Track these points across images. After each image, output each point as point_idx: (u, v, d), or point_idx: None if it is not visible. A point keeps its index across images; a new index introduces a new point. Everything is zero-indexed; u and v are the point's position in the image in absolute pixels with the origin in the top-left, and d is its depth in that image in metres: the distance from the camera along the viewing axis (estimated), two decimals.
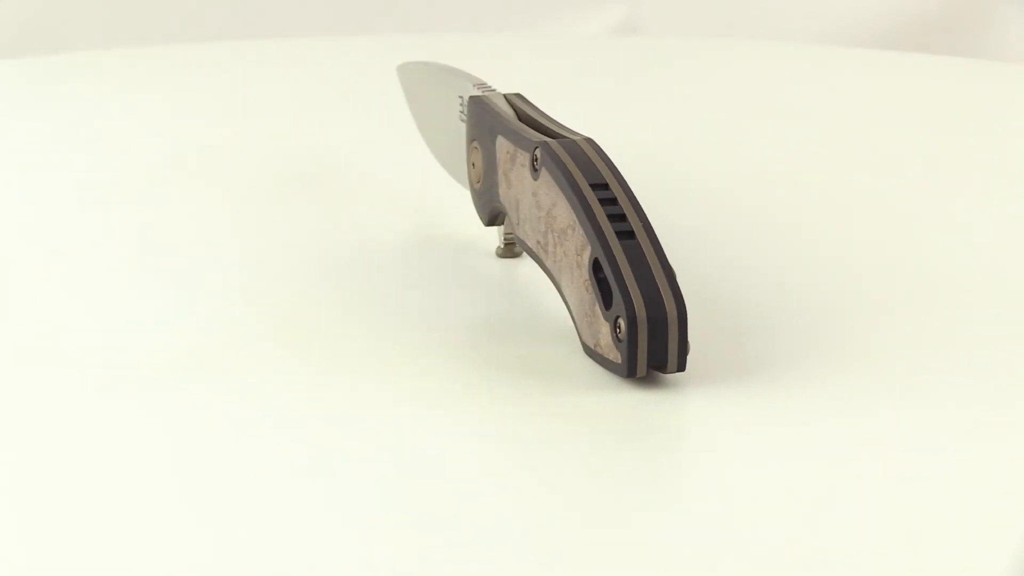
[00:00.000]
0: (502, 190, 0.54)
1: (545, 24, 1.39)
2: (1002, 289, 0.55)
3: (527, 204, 0.52)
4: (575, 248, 0.49)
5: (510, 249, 0.57)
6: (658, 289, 0.46)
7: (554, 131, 0.53)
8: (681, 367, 0.47)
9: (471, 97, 0.56)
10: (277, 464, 0.43)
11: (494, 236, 0.58)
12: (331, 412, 0.46)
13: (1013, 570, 0.38)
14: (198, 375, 0.48)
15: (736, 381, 0.47)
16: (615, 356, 0.47)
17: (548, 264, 0.51)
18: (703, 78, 0.90)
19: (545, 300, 0.54)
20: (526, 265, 0.57)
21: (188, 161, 0.72)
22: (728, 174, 0.69)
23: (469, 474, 0.43)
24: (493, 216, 0.56)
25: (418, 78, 0.64)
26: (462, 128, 0.58)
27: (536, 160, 0.51)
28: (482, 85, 0.58)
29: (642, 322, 0.46)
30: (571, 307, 0.49)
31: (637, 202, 0.48)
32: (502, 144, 0.53)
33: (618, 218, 0.48)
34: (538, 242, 0.51)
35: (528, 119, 0.54)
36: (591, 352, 0.48)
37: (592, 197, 0.48)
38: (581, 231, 0.48)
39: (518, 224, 0.53)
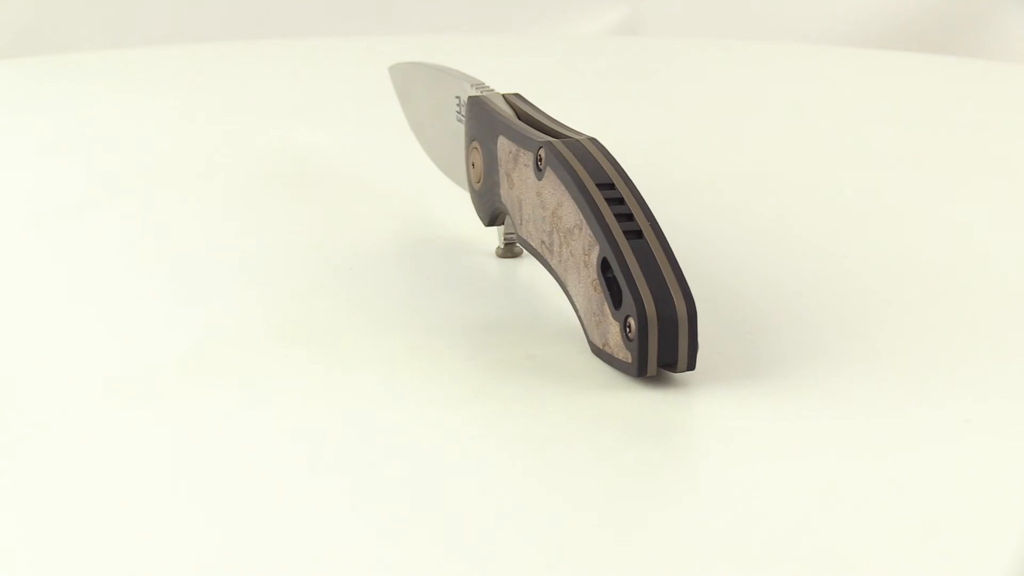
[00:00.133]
0: (504, 190, 0.54)
1: (545, 24, 1.39)
2: (1003, 288, 0.55)
3: (530, 204, 0.52)
4: (582, 248, 0.48)
5: (510, 249, 0.57)
6: (668, 288, 0.47)
7: (557, 131, 0.53)
8: (691, 366, 0.47)
9: (470, 97, 0.56)
10: (288, 466, 0.43)
11: (492, 236, 0.58)
12: (341, 413, 0.46)
13: (1014, 570, 0.38)
14: (205, 377, 0.48)
15: (744, 380, 0.47)
16: (625, 355, 0.47)
17: (553, 264, 0.51)
18: (703, 78, 0.90)
19: (548, 300, 0.54)
20: (526, 265, 0.57)
21: (187, 161, 0.72)
22: (728, 174, 0.69)
23: (483, 475, 0.43)
24: (493, 216, 0.56)
25: (411, 78, 0.64)
26: (459, 128, 0.58)
27: (540, 160, 0.51)
28: (479, 85, 0.58)
29: (653, 321, 0.46)
30: (578, 307, 0.49)
31: (644, 201, 0.49)
32: (504, 144, 0.53)
33: (625, 217, 0.48)
34: (542, 242, 0.51)
35: (528, 119, 0.54)
36: (599, 351, 0.48)
37: (599, 197, 0.48)
38: (589, 231, 0.48)
39: (521, 224, 0.53)
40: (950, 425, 0.45)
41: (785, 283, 0.55)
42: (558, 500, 0.42)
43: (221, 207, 0.65)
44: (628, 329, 0.47)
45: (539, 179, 0.51)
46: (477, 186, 0.56)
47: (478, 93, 0.57)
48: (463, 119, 0.58)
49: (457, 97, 0.58)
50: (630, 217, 0.48)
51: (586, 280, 0.48)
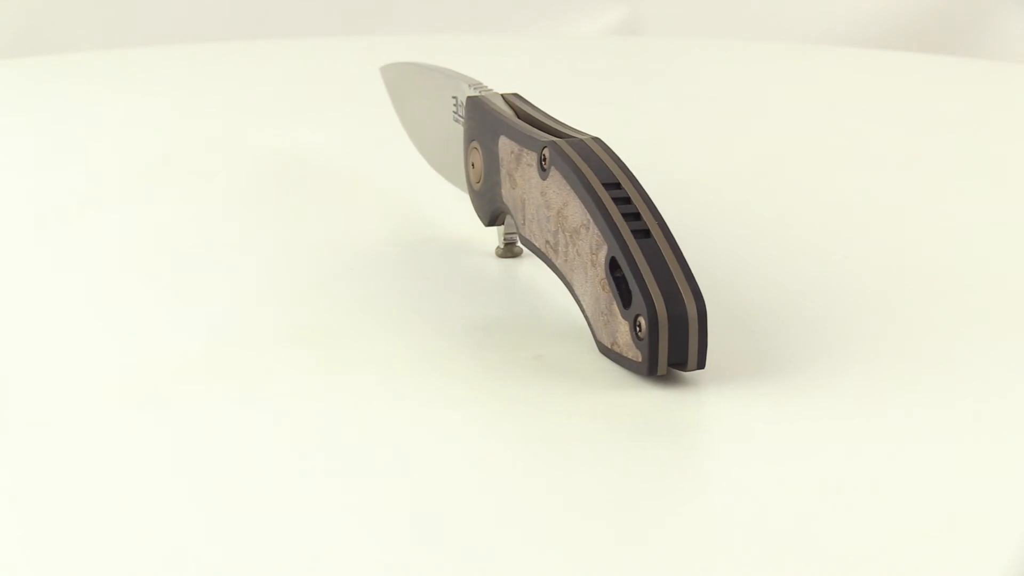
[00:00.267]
0: (505, 190, 0.54)
1: (545, 24, 1.39)
2: (1003, 288, 0.55)
3: (534, 204, 0.52)
4: (589, 247, 0.48)
5: (510, 249, 0.57)
6: (677, 287, 0.47)
7: (559, 130, 0.53)
8: (701, 365, 0.47)
9: (469, 97, 0.56)
10: (291, 467, 0.43)
11: (492, 236, 0.58)
12: (350, 415, 0.46)
13: (1015, 570, 0.38)
14: (206, 377, 0.48)
15: (752, 379, 0.47)
16: (634, 355, 0.47)
17: (558, 263, 0.51)
18: (703, 78, 0.90)
19: (549, 300, 0.54)
20: (526, 265, 0.57)
21: (187, 162, 0.72)
22: (728, 174, 0.69)
23: (492, 475, 0.43)
24: (494, 216, 0.56)
25: (404, 79, 0.64)
26: (455, 128, 0.58)
27: (545, 160, 0.51)
28: (476, 84, 0.57)
29: (663, 321, 0.46)
30: (585, 306, 0.49)
31: (650, 200, 0.49)
32: (505, 144, 0.53)
33: (633, 217, 0.48)
34: (547, 242, 0.51)
35: (529, 118, 0.54)
36: (607, 351, 0.48)
37: (606, 196, 0.48)
38: (596, 230, 0.48)
39: (523, 224, 0.53)
40: (956, 424, 0.45)
41: (785, 283, 0.55)
42: (569, 500, 0.42)
43: (221, 208, 0.65)
44: (638, 328, 0.47)
45: (543, 179, 0.51)
46: (477, 186, 0.56)
47: (476, 93, 0.57)
48: (460, 119, 0.58)
49: (454, 97, 0.58)
50: (637, 216, 0.48)
51: (593, 279, 0.48)
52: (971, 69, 0.95)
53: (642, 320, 0.46)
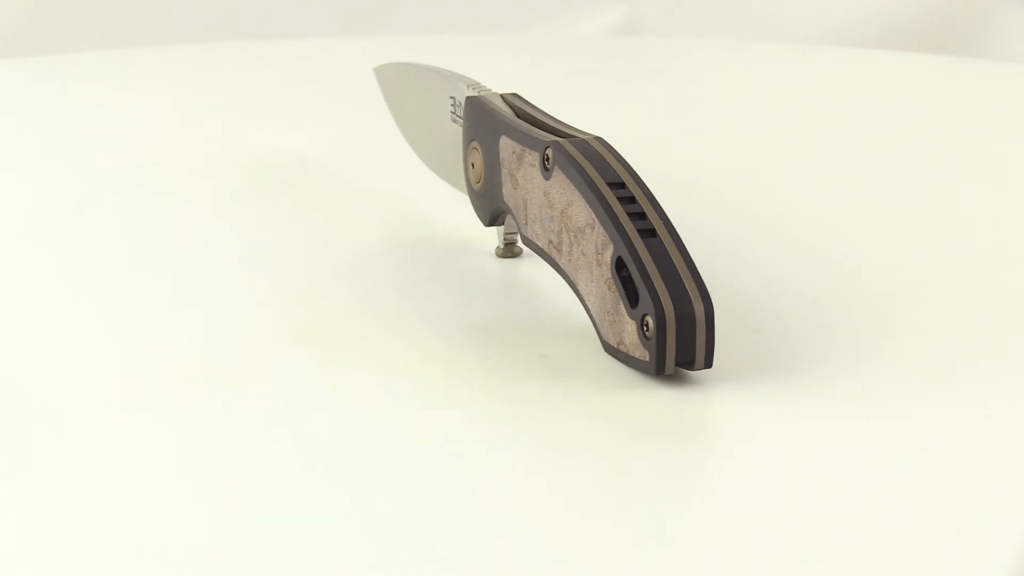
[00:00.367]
0: (506, 190, 0.54)
1: (545, 24, 1.39)
2: (1004, 287, 0.55)
3: (537, 204, 0.52)
4: (595, 247, 0.48)
5: (510, 249, 0.57)
6: (684, 287, 0.47)
7: (561, 130, 0.53)
8: (708, 364, 0.47)
9: (468, 98, 0.56)
10: (297, 470, 0.43)
11: (492, 236, 0.58)
12: (352, 415, 0.46)
13: (1015, 570, 0.38)
14: (207, 378, 0.48)
15: (759, 378, 0.47)
16: (642, 354, 0.47)
17: (562, 263, 0.51)
18: (703, 78, 0.90)
19: (550, 299, 0.54)
20: (526, 265, 0.57)
21: (187, 162, 0.72)
22: (728, 173, 0.69)
23: (501, 475, 0.43)
24: (494, 216, 0.56)
25: (399, 79, 0.63)
26: (453, 129, 0.58)
27: (548, 159, 0.51)
28: (473, 84, 0.57)
29: (671, 320, 0.46)
30: (590, 306, 0.49)
31: (655, 200, 0.49)
32: (506, 144, 0.53)
33: (638, 216, 0.48)
34: (550, 242, 0.51)
35: (529, 118, 0.54)
36: (613, 350, 0.48)
37: (611, 196, 0.48)
38: (602, 230, 0.48)
39: (526, 224, 0.53)
40: (960, 424, 0.45)
41: (786, 282, 0.55)
42: (580, 500, 0.42)
43: (221, 208, 0.65)
44: (646, 328, 0.47)
45: (547, 179, 0.51)
46: (477, 186, 0.56)
47: (475, 93, 0.57)
48: (458, 120, 0.58)
49: (452, 98, 0.58)
50: (643, 216, 0.48)
51: (599, 279, 0.48)
52: (971, 69, 0.95)
53: (650, 319, 0.46)
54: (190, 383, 0.48)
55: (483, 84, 0.57)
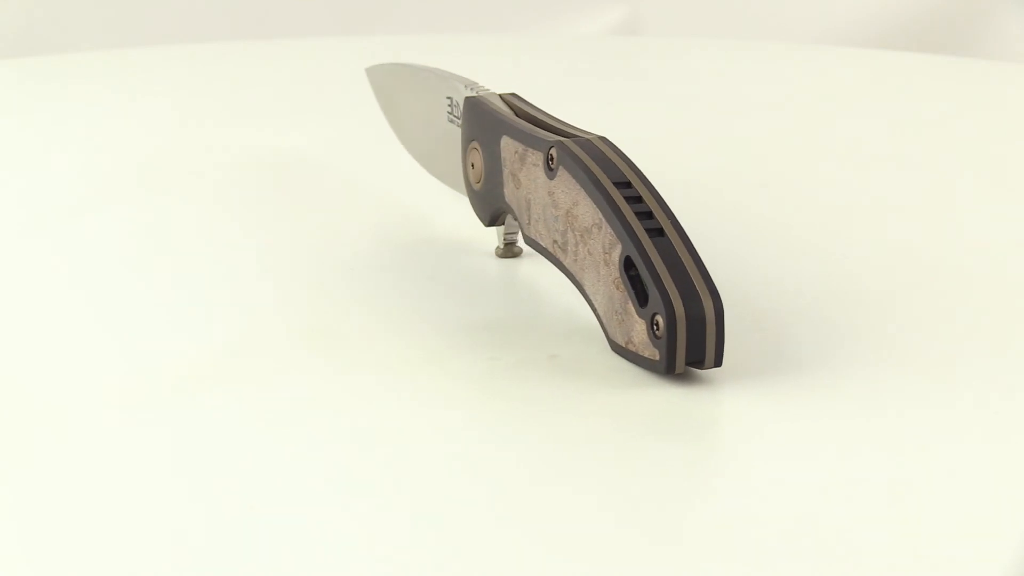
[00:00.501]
0: (508, 190, 0.54)
1: (545, 24, 1.39)
2: (1005, 287, 0.55)
3: (540, 204, 0.52)
4: (602, 246, 0.48)
5: (510, 249, 0.57)
6: (694, 285, 0.47)
7: (563, 130, 0.53)
8: (718, 363, 0.47)
9: (467, 98, 0.56)
10: (304, 472, 0.43)
11: (492, 236, 0.58)
12: (362, 417, 0.46)
13: (1015, 570, 0.38)
14: (208, 379, 0.48)
15: (767, 377, 0.48)
16: (651, 353, 0.47)
17: (567, 263, 0.51)
18: (703, 78, 0.90)
19: (553, 299, 0.54)
20: (526, 265, 0.57)
21: (187, 162, 0.72)
22: (728, 173, 0.69)
23: (512, 475, 0.43)
24: (495, 216, 0.56)
25: (392, 80, 0.63)
26: (450, 129, 0.58)
27: (552, 159, 0.51)
28: (469, 84, 0.57)
29: (681, 319, 0.46)
30: (596, 305, 0.49)
31: (662, 199, 0.49)
32: (508, 144, 0.53)
33: (646, 216, 0.48)
34: (555, 241, 0.51)
35: (529, 118, 0.54)
36: (621, 350, 0.48)
37: (618, 195, 0.48)
38: (609, 229, 0.48)
39: (529, 224, 0.52)
40: (964, 424, 0.45)
41: (786, 283, 0.55)
42: (590, 499, 0.42)
43: (221, 209, 0.65)
44: (656, 327, 0.47)
45: (551, 179, 0.51)
46: (477, 187, 0.56)
47: (473, 94, 0.57)
48: (455, 120, 0.58)
49: (449, 98, 0.58)
50: (650, 215, 0.48)
51: (607, 279, 0.48)
52: (971, 69, 0.95)
53: (660, 319, 0.46)
54: (190, 383, 0.48)
55: (479, 84, 0.57)
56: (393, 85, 0.63)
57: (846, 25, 1.37)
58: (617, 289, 0.48)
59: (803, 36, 1.37)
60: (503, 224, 0.56)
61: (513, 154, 0.53)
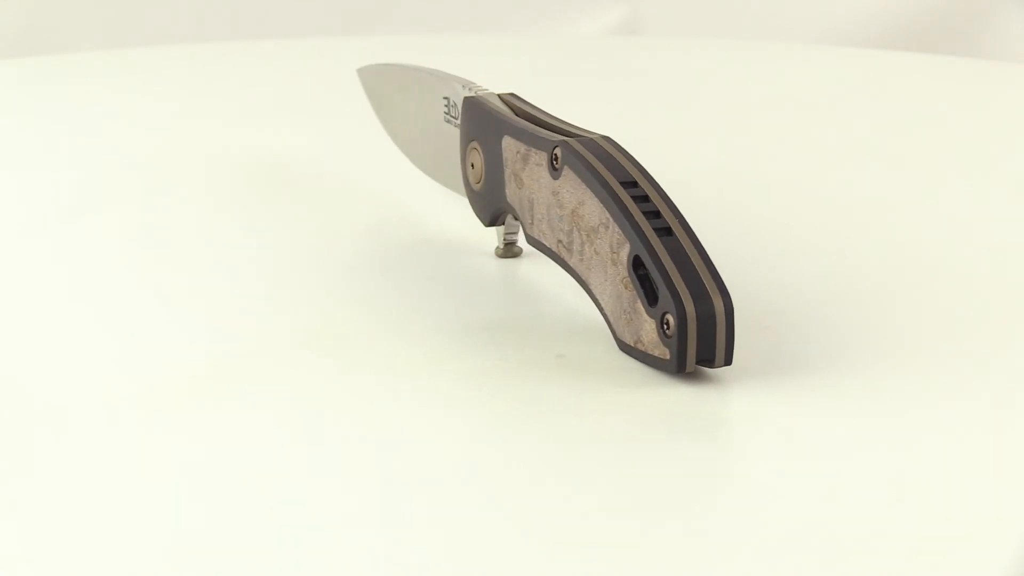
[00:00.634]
0: (510, 190, 0.54)
1: (545, 24, 1.39)
2: (1005, 286, 0.55)
3: (544, 203, 0.52)
4: (610, 246, 0.48)
5: (510, 249, 0.57)
6: (704, 284, 0.47)
7: (566, 129, 0.53)
8: (728, 361, 0.47)
9: (466, 98, 0.56)
10: (310, 475, 0.43)
11: (491, 236, 0.58)
12: (371, 420, 0.46)
13: (1015, 570, 0.38)
14: (210, 380, 0.48)
15: (777, 375, 0.48)
16: (661, 352, 0.47)
17: (572, 263, 0.50)
18: (702, 78, 0.90)
19: (554, 299, 0.54)
20: (526, 265, 0.57)
21: (187, 163, 0.72)
22: (728, 173, 0.69)
23: (522, 474, 0.43)
24: (495, 216, 0.56)
25: (385, 80, 0.63)
26: (447, 129, 0.58)
27: (556, 159, 0.51)
28: (466, 84, 0.57)
29: (691, 318, 0.46)
30: (604, 305, 0.49)
31: (669, 198, 0.49)
32: (510, 144, 0.53)
33: (653, 215, 0.48)
34: (559, 241, 0.51)
35: (529, 118, 0.54)
36: (629, 349, 0.48)
37: (624, 195, 0.49)
38: (617, 229, 0.48)
39: (532, 224, 0.52)
40: (968, 424, 0.45)
41: (787, 282, 0.55)
42: (602, 497, 0.42)
43: (221, 209, 0.65)
44: (666, 326, 0.47)
45: (555, 179, 0.51)
46: (477, 187, 0.56)
47: (472, 94, 0.57)
48: (452, 120, 0.58)
49: (446, 98, 0.58)
50: (658, 214, 0.48)
51: (614, 278, 0.48)
52: (971, 69, 0.95)
53: (670, 318, 0.46)
54: (190, 383, 0.48)
55: (475, 83, 0.57)
56: (386, 86, 0.63)
57: (846, 25, 1.37)
58: (625, 288, 0.48)
59: (803, 36, 1.37)
60: (503, 224, 0.56)
61: (515, 154, 0.53)
